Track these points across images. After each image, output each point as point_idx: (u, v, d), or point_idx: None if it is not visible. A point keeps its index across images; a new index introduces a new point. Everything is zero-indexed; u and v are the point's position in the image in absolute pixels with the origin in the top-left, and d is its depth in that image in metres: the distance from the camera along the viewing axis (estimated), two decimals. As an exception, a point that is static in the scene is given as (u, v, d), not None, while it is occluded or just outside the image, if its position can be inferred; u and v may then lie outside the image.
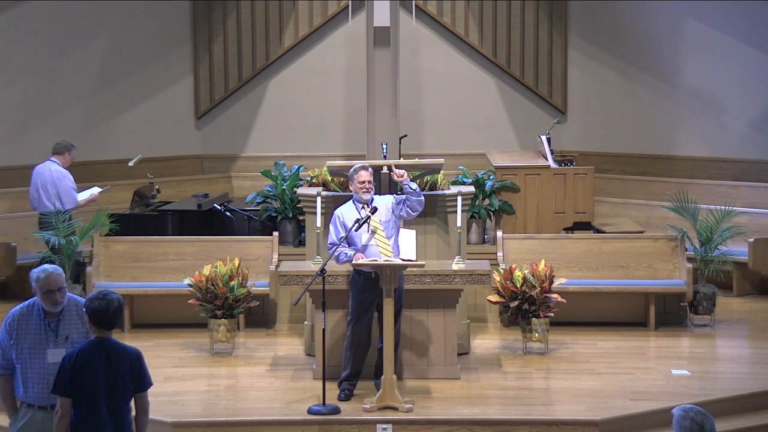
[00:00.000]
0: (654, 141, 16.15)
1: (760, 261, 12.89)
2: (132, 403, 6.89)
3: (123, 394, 6.76)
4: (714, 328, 11.81)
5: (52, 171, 12.73)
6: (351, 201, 9.75)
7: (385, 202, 9.72)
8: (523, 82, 16.73)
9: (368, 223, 9.52)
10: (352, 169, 9.69)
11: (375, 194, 9.76)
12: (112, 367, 6.71)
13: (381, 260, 9.33)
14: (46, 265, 7.11)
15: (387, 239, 9.55)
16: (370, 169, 9.67)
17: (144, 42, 16.25)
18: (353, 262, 9.49)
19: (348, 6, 15.40)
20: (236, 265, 11.14)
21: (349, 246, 9.57)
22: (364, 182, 9.57)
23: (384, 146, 11.18)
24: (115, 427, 6.72)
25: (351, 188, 9.72)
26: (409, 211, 9.64)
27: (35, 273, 7.05)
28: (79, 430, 6.71)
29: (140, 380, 6.84)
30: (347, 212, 9.66)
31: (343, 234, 9.52)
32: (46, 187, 12.67)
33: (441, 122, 16.75)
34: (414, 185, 9.61)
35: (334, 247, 9.53)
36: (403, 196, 9.65)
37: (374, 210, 9.54)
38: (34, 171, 12.87)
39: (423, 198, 9.71)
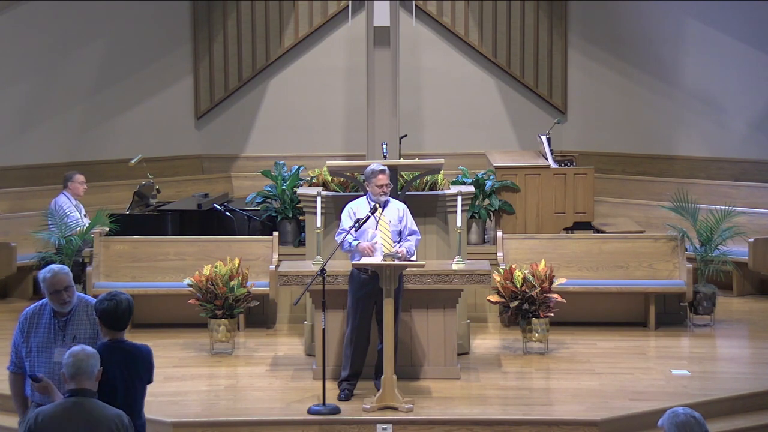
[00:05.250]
0: (654, 141, 16.14)
1: (760, 261, 12.89)
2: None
3: (141, 393, 6.77)
4: (714, 328, 11.81)
5: (52, 205, 12.82)
6: (365, 198, 9.78)
7: (396, 207, 9.74)
8: (523, 82, 16.72)
9: (376, 220, 9.57)
10: (369, 170, 9.67)
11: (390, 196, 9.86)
12: (129, 369, 6.67)
13: (380, 259, 9.36)
14: (52, 265, 7.09)
15: (392, 240, 9.59)
16: (388, 171, 9.68)
17: (144, 42, 16.24)
18: (353, 262, 9.51)
19: (348, 6, 15.39)
20: (236, 265, 11.14)
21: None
22: (382, 186, 9.60)
23: (384, 146, 11.16)
24: None
25: (368, 188, 9.72)
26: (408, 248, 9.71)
27: (42, 273, 7.05)
28: None
29: (151, 375, 6.87)
30: (360, 208, 9.72)
31: (351, 224, 9.59)
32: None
33: (441, 122, 16.74)
34: (411, 250, 9.64)
35: (343, 234, 9.61)
36: (408, 233, 9.74)
37: (374, 209, 9.57)
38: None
39: (418, 240, 9.84)
